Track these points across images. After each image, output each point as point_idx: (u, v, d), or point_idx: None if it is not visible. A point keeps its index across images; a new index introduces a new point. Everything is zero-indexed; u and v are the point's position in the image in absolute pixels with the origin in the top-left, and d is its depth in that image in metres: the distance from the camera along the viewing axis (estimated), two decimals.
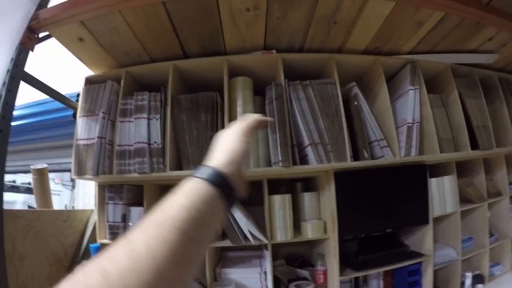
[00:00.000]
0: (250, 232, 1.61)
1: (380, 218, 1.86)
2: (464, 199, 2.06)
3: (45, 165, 1.91)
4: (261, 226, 1.72)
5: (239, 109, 1.60)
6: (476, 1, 1.57)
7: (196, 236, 0.46)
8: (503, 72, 2.32)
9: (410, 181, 1.88)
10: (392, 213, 1.88)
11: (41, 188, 1.87)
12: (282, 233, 1.70)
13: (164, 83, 1.64)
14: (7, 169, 1.37)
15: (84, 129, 1.68)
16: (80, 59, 1.77)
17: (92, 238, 1.85)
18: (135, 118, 1.58)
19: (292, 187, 2.04)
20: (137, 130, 1.57)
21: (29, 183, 3.26)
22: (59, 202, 5.14)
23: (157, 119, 1.57)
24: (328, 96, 1.68)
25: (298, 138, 1.59)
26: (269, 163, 1.62)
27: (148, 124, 1.57)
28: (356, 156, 1.68)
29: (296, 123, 1.60)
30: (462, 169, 2.19)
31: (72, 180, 2.67)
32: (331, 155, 1.58)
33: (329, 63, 1.78)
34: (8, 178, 3.05)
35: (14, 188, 3.22)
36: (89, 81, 1.78)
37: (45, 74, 1.86)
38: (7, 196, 3.18)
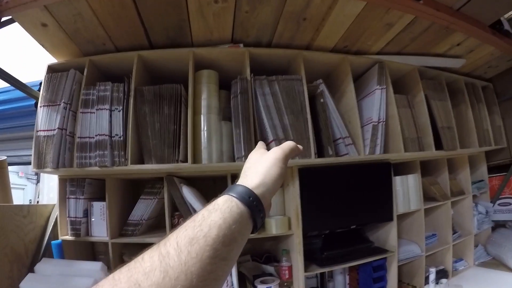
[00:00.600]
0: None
1: (344, 215, 1.83)
2: (428, 197, 2.07)
3: (4, 157, 1.80)
4: None
5: (203, 102, 1.54)
6: (447, 6, 1.55)
7: (226, 255, 0.45)
8: (469, 77, 2.36)
9: (375, 179, 1.86)
10: (357, 210, 1.86)
11: (0, 182, 1.77)
12: None
13: (129, 73, 1.57)
14: None
15: (45, 120, 1.58)
16: (43, 46, 1.67)
17: (54, 234, 1.76)
18: (97, 109, 1.50)
19: None
20: (99, 122, 1.49)
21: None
22: (23, 196, 4.95)
23: (119, 111, 1.50)
24: (294, 92, 1.63)
25: (262, 133, 1.54)
26: (233, 158, 1.56)
27: (110, 116, 1.50)
28: (320, 153, 1.64)
29: (261, 119, 1.55)
30: (427, 168, 2.20)
31: (37, 174, 2.54)
32: None
33: (296, 59, 1.73)
34: None
35: None
36: (51, 69, 1.69)
37: (6, 61, 1.77)
38: None
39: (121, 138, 1.48)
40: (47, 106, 1.61)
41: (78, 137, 1.52)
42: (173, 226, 1.65)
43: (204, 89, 1.58)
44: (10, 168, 1.92)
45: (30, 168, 1.63)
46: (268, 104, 1.56)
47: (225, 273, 0.46)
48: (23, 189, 5.29)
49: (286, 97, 1.60)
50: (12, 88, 1.92)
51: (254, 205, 0.53)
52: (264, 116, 1.53)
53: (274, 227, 1.68)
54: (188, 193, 1.54)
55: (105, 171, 1.52)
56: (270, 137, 1.51)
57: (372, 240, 2.00)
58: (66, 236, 1.68)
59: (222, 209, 0.49)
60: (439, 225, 2.20)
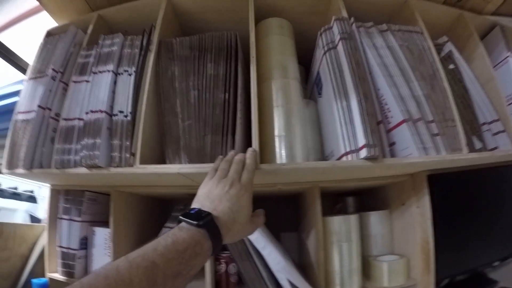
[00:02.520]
0: (291, 283, 0.65)
1: (494, 245, 0.93)
2: None
3: None
4: (301, 269, 0.78)
5: (274, 62, 0.72)
6: None
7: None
8: None
9: None
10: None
11: None
12: (346, 283, 0.75)
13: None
14: None
15: (27, 97, 0.84)
16: (43, 5, 0.95)
17: (38, 270, 0.98)
18: (94, 73, 0.68)
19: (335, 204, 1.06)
20: (94, 92, 0.70)
21: (32, 191, 2.35)
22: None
23: (130, 74, 0.70)
24: (419, 48, 0.81)
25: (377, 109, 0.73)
26: (322, 155, 0.77)
27: (114, 82, 0.71)
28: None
29: (375, 85, 0.74)
30: None
31: None
32: (439, 141, 0.70)
33: (405, 8, 0.92)
34: (9, 184, 2.18)
35: (16, 196, 2.32)
36: (50, 35, 0.95)
37: None
38: (8, 204, 2.30)
39: (128, 118, 0.69)
40: (34, 78, 0.87)
41: (62, 119, 0.75)
42: (217, 273, 0.82)
43: (275, 43, 0.79)
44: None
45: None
46: (385, 62, 0.76)
47: None
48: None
49: (410, 54, 0.78)
50: None
51: (221, 244, 0.47)
52: (383, 81, 0.69)
53: (386, 275, 0.84)
54: None
55: (100, 177, 0.75)
56: (397, 115, 0.70)
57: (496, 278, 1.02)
58: (54, 273, 0.91)
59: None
60: None
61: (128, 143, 0.66)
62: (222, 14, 0.87)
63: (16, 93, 1.56)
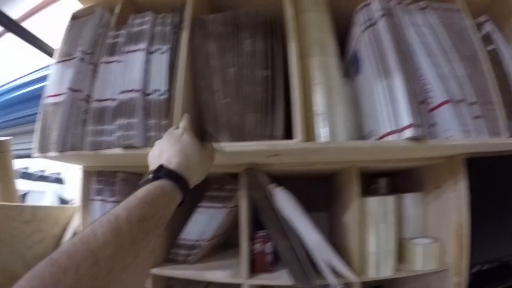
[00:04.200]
0: (328, 263, 0.60)
1: None
2: None
3: (8, 138, 0.95)
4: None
5: (313, 38, 0.66)
6: None
7: (161, 232, 0.40)
8: None
9: None
10: None
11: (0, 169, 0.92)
12: (381, 265, 0.69)
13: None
14: None
15: (56, 81, 0.78)
16: None
17: None
18: (126, 52, 0.61)
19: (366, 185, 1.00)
20: (127, 72, 0.65)
21: (59, 173, 2.32)
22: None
23: (163, 52, 0.61)
24: (458, 27, 0.72)
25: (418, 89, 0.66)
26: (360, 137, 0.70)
27: (147, 62, 0.63)
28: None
29: (416, 64, 0.66)
30: None
31: None
32: (480, 124, 0.63)
33: None
34: (37, 168, 2.15)
35: (43, 178, 2.29)
36: (75, 18, 0.88)
37: None
38: (36, 186, 2.27)
39: (164, 97, 0.62)
40: (62, 61, 0.81)
41: (94, 100, 0.67)
42: (253, 252, 0.77)
43: (313, 19, 0.71)
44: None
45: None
46: (425, 40, 0.68)
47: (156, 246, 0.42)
48: None
49: (450, 33, 0.69)
50: None
51: (189, 193, 0.47)
52: (424, 60, 0.63)
53: (420, 259, 0.78)
54: (284, 201, 0.59)
55: (136, 157, 0.69)
56: (439, 96, 0.63)
57: None
58: None
59: (169, 196, 0.43)
60: None
61: (165, 121, 0.61)
62: None
63: (40, 79, 1.51)
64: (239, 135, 0.59)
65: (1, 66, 1.78)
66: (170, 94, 0.63)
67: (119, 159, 0.76)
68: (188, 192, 0.47)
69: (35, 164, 2.55)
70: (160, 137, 0.61)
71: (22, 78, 1.53)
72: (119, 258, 0.32)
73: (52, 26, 1.30)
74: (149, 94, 0.63)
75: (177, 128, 0.56)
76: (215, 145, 0.59)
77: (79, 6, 0.97)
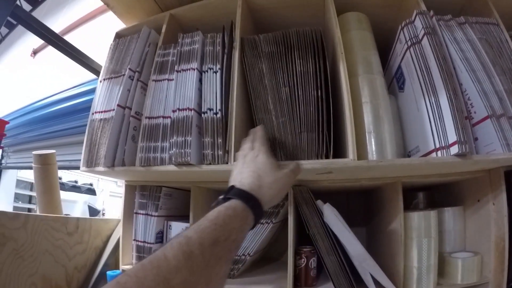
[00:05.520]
0: (372, 277, 0.59)
1: None
2: None
3: (52, 151, 0.97)
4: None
5: (359, 57, 0.65)
6: None
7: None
8: None
9: None
10: None
11: (44, 182, 0.99)
12: (423, 279, 0.68)
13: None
14: None
15: (103, 97, 0.80)
16: (110, 7, 0.92)
17: (113, 261, 0.95)
18: (178, 72, 0.63)
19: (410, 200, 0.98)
20: (180, 91, 0.67)
21: (91, 184, 2.37)
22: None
23: (215, 72, 0.63)
24: (497, 41, 0.72)
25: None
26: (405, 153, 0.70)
27: (200, 80, 0.62)
28: None
29: (458, 79, 0.65)
30: None
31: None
32: None
33: None
34: (69, 177, 2.20)
35: (75, 188, 2.34)
36: (119, 36, 0.92)
37: None
38: (69, 196, 2.32)
39: (219, 116, 0.63)
40: (109, 79, 0.83)
41: (145, 117, 0.68)
42: (298, 267, 0.75)
43: (357, 38, 0.72)
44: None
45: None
46: (466, 56, 0.67)
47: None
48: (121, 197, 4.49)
49: (489, 47, 0.69)
50: None
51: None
52: (466, 76, 0.63)
53: (460, 272, 0.75)
54: (332, 217, 0.59)
55: (187, 174, 0.70)
56: (481, 111, 0.62)
57: None
58: (128, 265, 0.87)
59: (241, 216, 0.40)
60: None
61: (220, 140, 0.61)
62: (295, 10, 0.80)
63: (77, 95, 1.55)
64: (294, 154, 0.59)
65: (39, 82, 1.83)
66: (225, 113, 0.63)
67: (166, 175, 0.76)
68: (261, 213, 0.44)
69: (68, 175, 2.60)
70: (215, 155, 0.61)
71: (60, 94, 1.57)
72: (190, 284, 0.30)
73: (90, 42, 1.33)
74: (203, 113, 0.64)
75: (253, 148, 0.54)
76: (296, 162, 0.56)
77: (119, 23, 0.99)
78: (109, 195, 2.39)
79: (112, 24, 1.04)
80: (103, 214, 2.22)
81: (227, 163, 0.59)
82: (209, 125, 0.62)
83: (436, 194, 0.97)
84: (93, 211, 2.19)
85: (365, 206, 1.00)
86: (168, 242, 0.32)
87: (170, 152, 0.63)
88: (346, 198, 1.01)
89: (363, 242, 0.93)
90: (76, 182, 2.43)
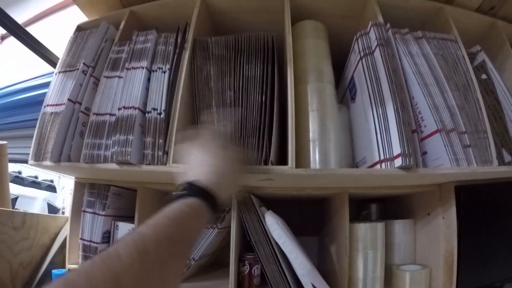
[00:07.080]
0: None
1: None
2: None
3: (4, 142, 0.95)
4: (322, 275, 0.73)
5: (310, 65, 0.65)
6: None
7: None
8: None
9: None
10: None
11: None
12: None
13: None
14: None
15: (56, 91, 0.79)
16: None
17: (59, 259, 0.93)
18: (127, 69, 0.63)
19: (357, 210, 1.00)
20: (127, 88, 0.67)
21: (51, 181, 2.30)
22: None
23: (164, 71, 0.63)
24: (453, 57, 0.75)
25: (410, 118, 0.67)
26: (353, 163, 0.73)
27: (148, 79, 0.64)
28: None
29: (410, 93, 0.68)
30: None
31: None
32: (470, 153, 0.64)
33: (440, 15, 0.86)
34: (30, 173, 2.13)
35: (35, 184, 2.27)
36: (80, 29, 0.91)
37: None
38: (28, 192, 2.25)
39: (162, 116, 0.63)
40: (64, 72, 0.82)
41: (93, 114, 0.69)
42: (241, 274, 0.76)
43: (311, 46, 0.74)
44: None
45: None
46: (420, 70, 0.70)
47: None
48: None
49: (444, 63, 0.73)
50: None
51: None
52: (418, 90, 0.65)
53: (408, 285, 0.78)
54: (274, 225, 0.61)
55: (130, 173, 0.70)
56: (431, 125, 0.65)
57: None
58: (74, 265, 0.86)
59: (197, 214, 0.40)
60: None
61: (161, 141, 0.62)
62: (256, 15, 0.82)
63: (40, 86, 1.52)
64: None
65: (3, 69, 1.79)
66: (168, 113, 0.64)
67: (113, 174, 0.76)
68: (218, 210, 0.44)
69: (28, 170, 2.52)
70: (155, 156, 0.61)
71: (22, 83, 1.54)
72: (143, 283, 0.29)
73: (54, 34, 1.32)
74: (147, 112, 0.64)
75: (209, 141, 0.53)
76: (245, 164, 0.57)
77: (83, 17, 0.99)
78: (69, 193, 2.32)
79: (78, 17, 1.04)
80: (63, 212, 2.17)
81: (165, 164, 0.60)
82: (152, 125, 0.63)
83: (389, 206, 0.99)
84: (52, 209, 2.13)
85: (317, 215, 1.01)
86: (122, 239, 0.31)
87: (112, 150, 0.63)
88: (299, 207, 1.03)
89: (315, 251, 0.95)
90: (36, 177, 2.36)
